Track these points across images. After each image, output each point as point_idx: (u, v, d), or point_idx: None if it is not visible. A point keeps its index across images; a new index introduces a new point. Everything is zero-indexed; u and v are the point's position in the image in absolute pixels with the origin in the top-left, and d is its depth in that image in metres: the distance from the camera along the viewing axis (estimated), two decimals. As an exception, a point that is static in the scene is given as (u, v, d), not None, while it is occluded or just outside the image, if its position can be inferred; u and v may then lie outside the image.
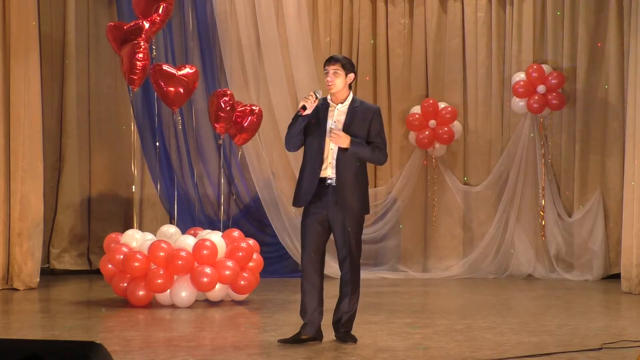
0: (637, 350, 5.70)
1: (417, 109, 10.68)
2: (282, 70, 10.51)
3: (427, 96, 10.85)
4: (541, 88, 10.37)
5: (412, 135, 10.74)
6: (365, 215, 6.11)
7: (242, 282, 8.14)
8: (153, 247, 7.87)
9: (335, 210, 5.93)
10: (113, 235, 8.48)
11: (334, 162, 5.93)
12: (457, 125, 10.68)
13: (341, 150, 5.92)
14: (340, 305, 6.07)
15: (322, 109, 6.02)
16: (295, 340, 6.00)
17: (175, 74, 8.90)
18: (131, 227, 9.42)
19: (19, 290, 9.09)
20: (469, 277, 10.55)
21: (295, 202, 6.05)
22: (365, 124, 5.99)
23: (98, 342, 3.50)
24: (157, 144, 10.22)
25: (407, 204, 10.80)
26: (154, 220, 10.56)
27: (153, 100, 10.13)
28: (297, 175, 6.15)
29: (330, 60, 6.02)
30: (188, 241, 8.01)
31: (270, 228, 10.52)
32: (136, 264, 7.85)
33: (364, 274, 9.55)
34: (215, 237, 8.16)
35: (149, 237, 8.28)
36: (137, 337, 6.29)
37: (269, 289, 9.06)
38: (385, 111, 10.76)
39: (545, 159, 10.61)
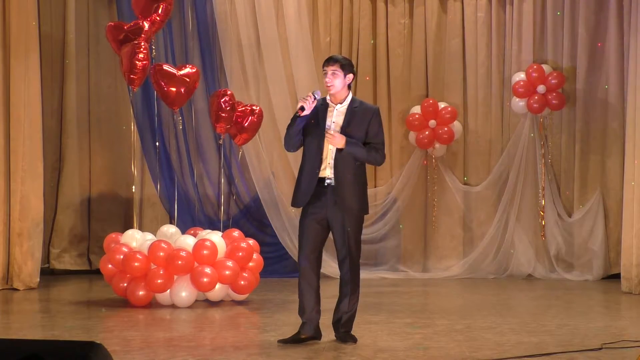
0: (637, 350, 5.70)
1: (417, 109, 10.68)
2: (282, 70, 10.51)
3: (427, 96, 10.85)
4: (541, 88, 10.37)
5: (412, 135, 10.74)
6: (365, 215, 6.11)
7: (242, 282, 8.14)
8: (153, 247, 7.87)
9: (334, 211, 5.93)
10: (113, 235, 8.48)
11: (333, 162, 5.93)
12: (457, 125, 10.68)
13: (338, 151, 5.93)
14: (340, 305, 6.07)
15: (322, 109, 6.03)
16: (295, 340, 6.00)
17: (176, 74, 8.90)
18: (131, 227, 9.42)
19: (19, 290, 9.09)
20: (469, 277, 10.55)
21: (294, 203, 6.05)
22: (363, 125, 5.99)
23: (98, 342, 3.50)
24: (157, 144, 10.23)
25: (407, 204, 10.80)
26: (154, 220, 10.55)
27: (153, 100, 10.14)
28: (296, 175, 6.15)
29: (329, 61, 6.02)
30: (188, 241, 8.01)
31: (270, 228, 10.52)
32: (136, 264, 7.85)
33: (364, 274, 9.55)
34: (215, 237, 8.16)
35: (149, 237, 8.28)
36: (137, 337, 6.29)
37: (269, 289, 9.06)
38: (385, 111, 10.76)
39: (545, 159, 10.61)
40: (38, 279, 9.25)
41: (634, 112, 9.09)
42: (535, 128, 10.65)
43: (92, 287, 9.77)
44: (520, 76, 10.51)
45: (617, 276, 9.69)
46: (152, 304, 7.99)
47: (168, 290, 7.92)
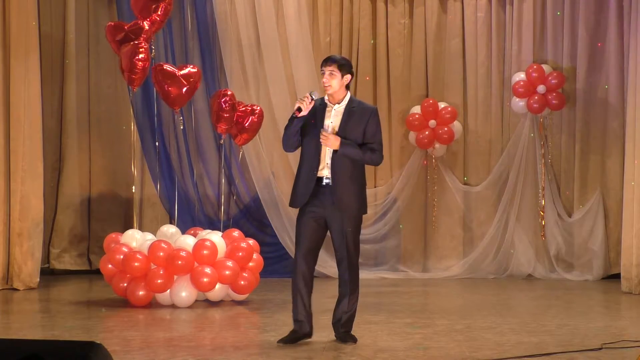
0: (637, 350, 5.70)
1: (417, 109, 10.67)
2: (282, 70, 10.51)
3: (427, 96, 10.85)
4: (541, 88, 10.37)
5: (412, 135, 10.74)
6: (366, 215, 6.11)
7: (242, 282, 8.14)
8: (153, 247, 7.87)
9: (332, 211, 5.93)
10: (113, 235, 8.48)
11: (330, 162, 5.93)
12: (457, 125, 10.68)
13: (334, 151, 5.93)
14: (339, 305, 6.07)
15: (320, 109, 6.03)
16: (293, 340, 5.99)
17: (177, 74, 8.91)
18: (131, 227, 9.42)
19: (19, 290, 9.09)
20: (469, 277, 10.55)
21: (293, 203, 6.05)
22: (361, 125, 5.99)
23: (98, 342, 3.50)
24: (157, 144, 10.23)
25: (407, 204, 10.80)
26: (154, 220, 10.55)
27: (153, 100, 10.14)
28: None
29: (327, 61, 6.02)
30: (188, 241, 8.01)
31: (270, 228, 10.52)
32: (136, 264, 7.85)
33: (364, 274, 9.56)
34: (215, 237, 8.16)
35: (149, 237, 8.28)
36: (137, 337, 6.29)
37: (269, 289, 9.06)
38: (385, 111, 10.76)
39: (545, 159, 10.61)
40: (38, 279, 9.25)
41: (634, 112, 9.09)
42: (535, 128, 10.65)
43: (92, 287, 9.77)
44: (520, 76, 10.50)
45: (617, 276, 9.69)
46: (152, 304, 7.99)
47: (168, 290, 7.92)
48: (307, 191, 5.94)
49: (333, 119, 6.01)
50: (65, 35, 10.68)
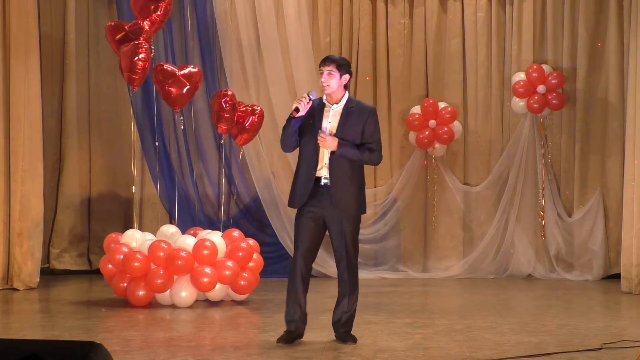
0: (637, 350, 5.70)
1: (417, 109, 10.67)
2: (282, 70, 10.51)
3: (427, 96, 10.85)
4: (541, 88, 10.37)
5: (412, 135, 10.74)
6: (366, 215, 6.11)
7: (242, 282, 8.14)
8: (153, 247, 7.87)
9: (331, 211, 5.93)
10: (113, 235, 8.48)
11: (328, 162, 5.93)
12: (457, 125, 10.68)
13: (332, 152, 5.92)
14: (339, 305, 6.07)
15: (318, 109, 6.02)
16: (289, 340, 5.99)
17: (177, 74, 8.91)
18: (131, 227, 9.42)
19: (19, 290, 9.09)
20: (469, 277, 10.55)
21: (291, 203, 6.04)
22: (359, 125, 5.98)
23: (98, 342, 3.50)
24: (157, 144, 10.22)
25: (407, 204, 10.80)
26: (154, 220, 10.55)
27: (153, 100, 10.13)
28: (296, 175, 6.15)
29: (326, 61, 6.01)
30: (188, 241, 8.01)
31: (270, 228, 10.53)
32: (136, 264, 7.85)
33: (364, 274, 9.57)
34: (215, 237, 8.16)
35: (149, 237, 8.28)
36: (137, 337, 6.29)
37: (269, 289, 9.06)
38: (385, 111, 10.76)
39: (545, 159, 10.61)
40: (38, 279, 9.25)
41: (634, 112, 9.09)
42: (535, 128, 10.65)
43: (92, 287, 9.77)
44: (520, 76, 10.51)
45: (617, 276, 9.69)
46: (152, 304, 7.99)
47: (168, 290, 7.92)
48: (306, 191, 5.94)
49: (331, 119, 6.00)
50: (65, 35, 10.68)
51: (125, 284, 8.01)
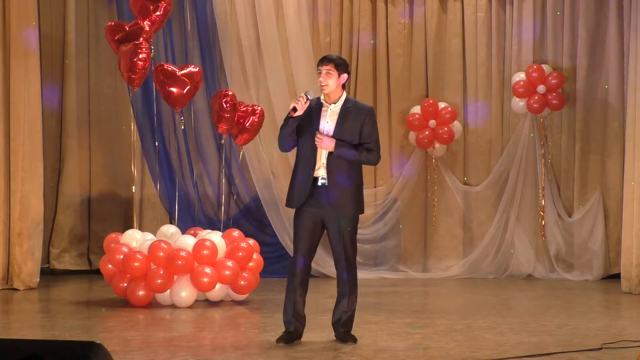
0: (637, 350, 5.70)
1: (417, 109, 10.67)
2: (282, 70, 10.51)
3: (427, 96, 10.85)
4: (541, 88, 10.37)
5: (412, 135, 10.74)
6: (366, 215, 6.11)
7: (242, 282, 8.14)
8: (153, 247, 7.88)
9: (329, 211, 5.92)
10: (113, 235, 8.48)
11: (326, 162, 5.93)
12: (457, 125, 10.68)
13: (329, 152, 5.92)
14: (339, 305, 6.08)
15: (315, 109, 6.02)
16: (289, 340, 5.99)
17: (178, 74, 8.90)
18: (131, 227, 9.42)
19: (19, 290, 9.09)
20: (469, 277, 10.55)
21: (289, 203, 6.04)
22: (357, 124, 5.98)
23: (98, 342, 3.50)
24: (157, 144, 10.22)
25: (407, 204, 10.80)
26: (154, 220, 10.55)
27: (153, 100, 10.13)
28: (295, 175, 6.14)
29: (324, 60, 6.01)
30: (188, 241, 8.01)
31: (270, 228, 10.53)
32: (136, 264, 7.85)
33: (364, 274, 9.57)
34: (215, 237, 8.16)
35: (149, 237, 8.28)
36: (137, 337, 6.29)
37: (269, 289, 9.06)
38: (385, 111, 10.77)
39: (545, 159, 10.61)
40: (38, 279, 9.25)
41: (634, 112, 9.10)
42: (535, 128, 10.65)
43: (92, 287, 9.77)
44: (520, 76, 10.50)
45: (617, 276, 9.69)
46: (152, 304, 7.99)
47: (168, 290, 7.92)
48: (304, 192, 5.93)
49: (329, 118, 6.00)
50: (65, 35, 10.68)
51: (125, 284, 8.01)
